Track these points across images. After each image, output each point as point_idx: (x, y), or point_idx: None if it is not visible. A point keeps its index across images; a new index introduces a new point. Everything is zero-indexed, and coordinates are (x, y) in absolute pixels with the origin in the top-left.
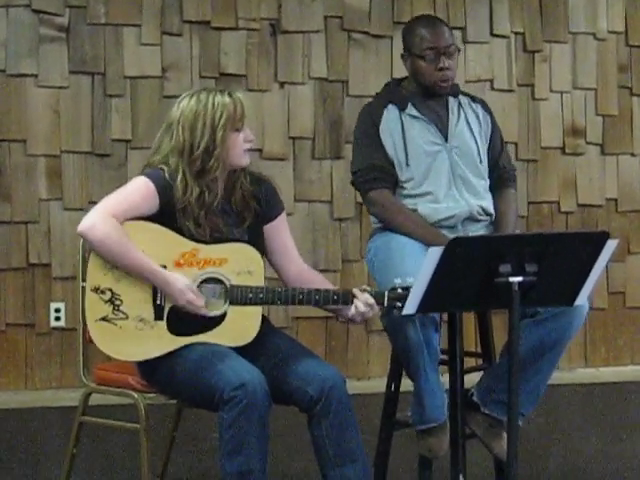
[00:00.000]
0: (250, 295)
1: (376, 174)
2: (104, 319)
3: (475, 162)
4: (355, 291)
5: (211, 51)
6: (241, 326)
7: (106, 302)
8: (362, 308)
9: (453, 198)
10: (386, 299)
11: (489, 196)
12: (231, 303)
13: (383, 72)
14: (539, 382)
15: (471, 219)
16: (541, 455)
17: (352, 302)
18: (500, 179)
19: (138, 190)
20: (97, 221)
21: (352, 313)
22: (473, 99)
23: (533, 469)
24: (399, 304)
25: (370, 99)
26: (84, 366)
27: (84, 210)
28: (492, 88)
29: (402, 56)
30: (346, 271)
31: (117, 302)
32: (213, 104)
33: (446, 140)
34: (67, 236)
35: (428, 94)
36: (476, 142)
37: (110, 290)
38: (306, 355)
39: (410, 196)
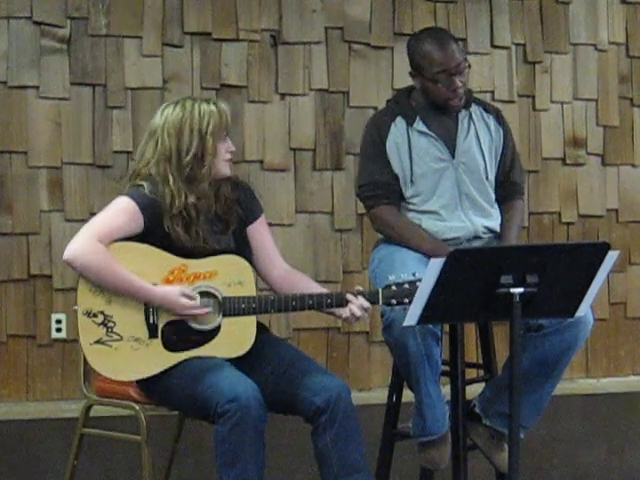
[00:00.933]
0: (243, 306)
1: (379, 191)
2: (98, 342)
3: (481, 178)
4: (348, 296)
5: (212, 62)
6: (237, 337)
7: (99, 325)
8: (358, 313)
9: (458, 218)
10: (381, 298)
11: (495, 212)
12: (224, 315)
13: (384, 83)
14: (542, 395)
15: (475, 238)
16: (542, 466)
17: (346, 304)
18: (509, 192)
19: (121, 211)
20: (82, 247)
21: (347, 316)
22: (486, 109)
23: None
24: (394, 301)
25: (371, 110)
26: (85, 378)
27: (85, 221)
28: (493, 99)
29: (410, 73)
30: (347, 282)
31: (110, 324)
32: (199, 112)
33: (453, 156)
34: None
35: (438, 108)
36: (484, 158)
37: (102, 313)
38: (311, 365)
39: (415, 212)
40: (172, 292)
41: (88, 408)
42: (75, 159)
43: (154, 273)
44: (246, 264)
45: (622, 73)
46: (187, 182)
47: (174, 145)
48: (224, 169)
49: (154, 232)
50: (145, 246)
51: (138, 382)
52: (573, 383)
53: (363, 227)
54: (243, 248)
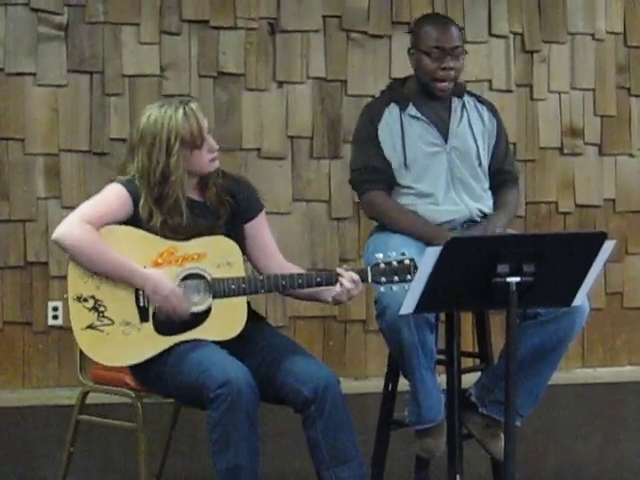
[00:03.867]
0: (233, 286)
1: (371, 175)
2: (90, 327)
3: (474, 164)
4: (339, 270)
5: (210, 50)
6: (227, 319)
7: (90, 310)
8: (348, 285)
9: (453, 201)
10: (369, 275)
11: (489, 197)
12: (214, 296)
13: (381, 72)
14: (539, 383)
15: (470, 221)
16: (538, 456)
17: (336, 282)
18: (503, 181)
19: (113, 196)
20: (71, 227)
21: (338, 291)
22: (479, 100)
23: (530, 470)
24: (383, 279)
25: (369, 99)
26: (81, 365)
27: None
28: (490, 88)
29: (408, 51)
30: None
31: (101, 308)
32: (168, 127)
33: (446, 141)
34: None
35: (430, 94)
36: (476, 144)
37: (92, 297)
38: (300, 355)
39: (410, 196)
40: (163, 285)
41: (84, 395)
42: (72, 146)
43: (143, 256)
44: (234, 244)
45: (620, 63)
46: (156, 201)
47: (146, 165)
48: (207, 169)
49: (142, 219)
50: (134, 229)
51: (132, 370)
52: (569, 373)
53: (360, 215)
54: (234, 240)
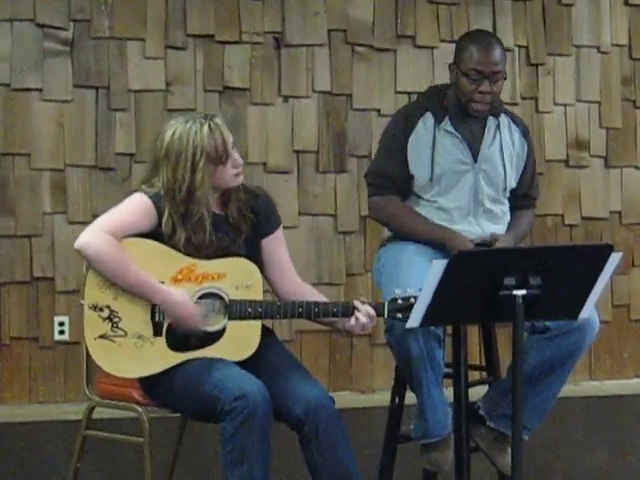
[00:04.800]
0: (249, 309)
1: (385, 182)
2: (103, 337)
3: (499, 188)
4: (356, 303)
5: (215, 65)
6: (241, 340)
7: (104, 320)
8: (363, 319)
9: (469, 222)
10: (386, 310)
11: (506, 220)
12: (230, 318)
13: (387, 85)
14: (547, 397)
15: (483, 244)
16: (545, 469)
17: (352, 314)
18: (524, 205)
19: (136, 207)
20: (94, 237)
21: (352, 324)
22: (514, 121)
23: None
24: (399, 315)
25: (374, 112)
26: (88, 380)
27: (88, 224)
28: None
29: (450, 65)
30: (350, 285)
31: (115, 319)
32: (194, 143)
33: (475, 161)
34: (71, 250)
35: (466, 111)
36: (505, 168)
37: (108, 307)
38: (295, 373)
39: (425, 209)
40: (180, 294)
41: (91, 410)
42: (78, 161)
43: (163, 271)
44: (255, 268)
45: (625, 75)
46: (181, 217)
47: (171, 181)
48: (231, 184)
49: (164, 235)
50: (156, 243)
51: (141, 382)
52: (576, 385)
53: (366, 229)
54: (254, 257)
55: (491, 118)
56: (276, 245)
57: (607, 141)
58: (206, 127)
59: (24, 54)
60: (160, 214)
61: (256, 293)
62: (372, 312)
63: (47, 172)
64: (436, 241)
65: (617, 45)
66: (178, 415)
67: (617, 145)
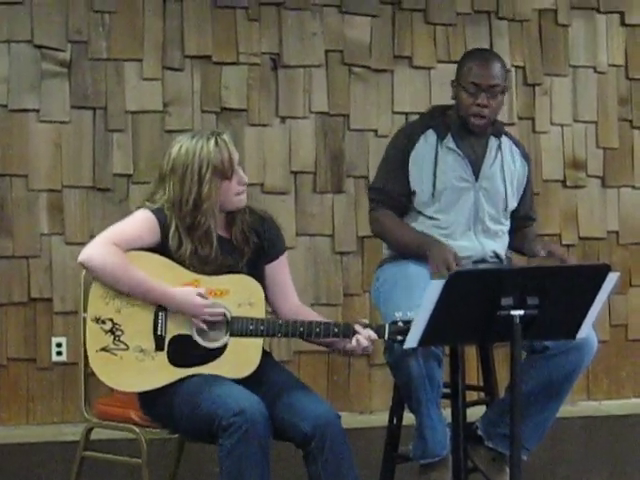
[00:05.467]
0: (251, 327)
1: (384, 197)
2: (104, 349)
3: (499, 207)
4: (357, 327)
5: (212, 86)
6: (241, 358)
7: (107, 332)
8: (364, 343)
9: (469, 239)
10: (387, 333)
11: (506, 239)
12: (231, 334)
13: (384, 106)
14: (546, 417)
15: (483, 261)
16: None
17: (353, 335)
18: (526, 226)
19: (139, 221)
20: (98, 248)
21: (352, 346)
22: (515, 143)
23: None
24: (400, 337)
25: (371, 133)
26: (86, 401)
27: (86, 245)
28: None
29: (452, 82)
30: (347, 305)
31: (118, 332)
32: (200, 156)
33: (476, 179)
34: (69, 271)
35: (468, 129)
36: (506, 188)
37: (111, 320)
38: (301, 391)
39: (426, 225)
40: (188, 290)
41: (89, 431)
42: (75, 182)
43: (166, 284)
44: (258, 286)
45: (622, 95)
46: (188, 230)
47: (177, 194)
48: (235, 204)
49: (169, 249)
50: (159, 257)
51: (140, 401)
52: (575, 405)
53: (364, 250)
54: (256, 278)
55: (493, 138)
56: (280, 270)
57: (604, 161)
58: (212, 141)
59: (21, 75)
60: (164, 229)
61: (259, 311)
62: (373, 335)
63: (44, 193)
64: (419, 250)
65: (614, 65)
66: (176, 436)
67: (614, 165)
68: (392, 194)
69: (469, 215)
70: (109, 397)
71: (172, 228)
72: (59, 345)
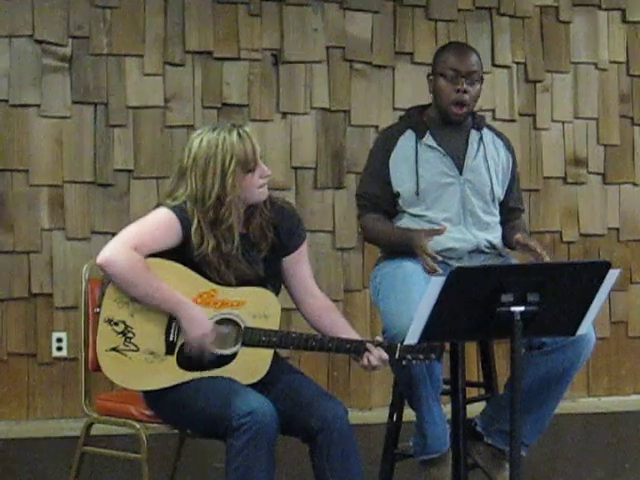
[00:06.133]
0: (263, 338)
1: (368, 202)
2: (114, 349)
3: (487, 199)
4: (369, 346)
5: (213, 81)
6: (251, 366)
7: (118, 334)
8: (375, 362)
9: (461, 232)
10: (398, 352)
11: (498, 229)
12: (243, 344)
13: (385, 102)
14: (545, 413)
15: (477, 251)
16: None
17: (364, 352)
18: (515, 217)
19: (160, 221)
20: (119, 254)
21: (363, 364)
22: (497, 135)
23: None
24: (409, 356)
25: (372, 129)
26: (86, 396)
27: (87, 240)
28: (494, 118)
29: (428, 76)
30: (348, 301)
31: (129, 335)
32: (223, 148)
33: (460, 173)
34: (69, 266)
35: (448, 121)
36: (491, 179)
37: (124, 323)
38: (309, 386)
39: (417, 223)
40: (201, 311)
41: (89, 426)
42: (76, 177)
43: (184, 293)
44: (275, 299)
45: (623, 92)
46: (210, 225)
47: (200, 188)
48: (257, 197)
49: (189, 250)
50: (178, 265)
51: (146, 396)
52: (574, 402)
53: (364, 246)
54: (274, 276)
55: (474, 131)
56: (298, 261)
57: (605, 158)
58: (235, 133)
59: (22, 70)
60: (185, 228)
61: (273, 323)
62: (385, 357)
63: (45, 188)
64: (406, 249)
65: (615, 62)
66: (176, 431)
67: (615, 162)
68: (376, 199)
69: (458, 209)
70: (109, 392)
71: (194, 224)
72: (59, 340)
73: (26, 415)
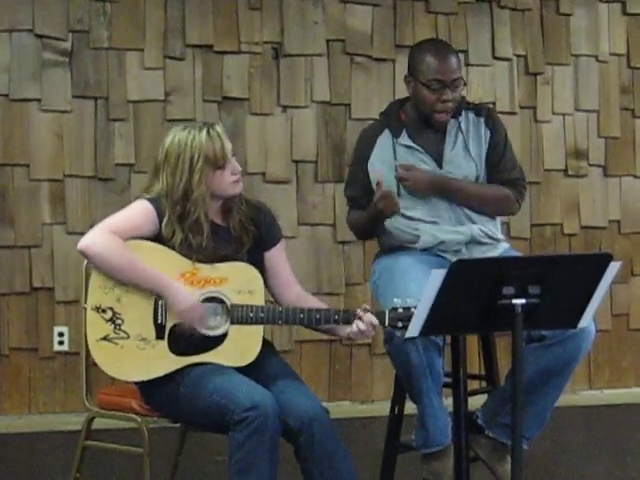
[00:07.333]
0: (251, 314)
1: (353, 203)
2: (105, 338)
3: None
4: (358, 311)
5: (214, 75)
6: (242, 346)
7: (107, 321)
8: (363, 327)
9: (452, 224)
10: (387, 319)
11: (494, 218)
12: (232, 322)
13: (385, 95)
14: (545, 406)
15: (474, 242)
16: (545, 478)
17: (353, 320)
18: (502, 183)
19: (139, 212)
20: (98, 236)
21: (353, 331)
22: (478, 112)
23: None
24: (400, 324)
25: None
26: (87, 390)
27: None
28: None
29: (405, 78)
30: (349, 294)
31: (118, 321)
32: (192, 147)
33: (440, 167)
34: (70, 260)
35: (426, 122)
36: (476, 165)
37: (111, 309)
38: (290, 384)
39: (409, 220)
40: (187, 292)
41: (90, 421)
42: (77, 172)
43: (165, 273)
44: (257, 273)
45: (623, 84)
46: (179, 218)
47: (170, 183)
48: (230, 191)
49: (165, 237)
50: (158, 245)
51: (142, 391)
52: (576, 394)
53: None
54: (256, 268)
55: (452, 121)
56: (278, 258)
57: (606, 150)
58: (204, 132)
59: (23, 64)
60: (161, 218)
61: (258, 298)
62: (375, 321)
63: (46, 183)
64: (376, 218)
65: (615, 54)
66: (178, 425)
67: (616, 154)
68: (359, 200)
69: (444, 203)
70: (111, 387)
71: (165, 217)
72: (61, 335)
73: (28, 409)
